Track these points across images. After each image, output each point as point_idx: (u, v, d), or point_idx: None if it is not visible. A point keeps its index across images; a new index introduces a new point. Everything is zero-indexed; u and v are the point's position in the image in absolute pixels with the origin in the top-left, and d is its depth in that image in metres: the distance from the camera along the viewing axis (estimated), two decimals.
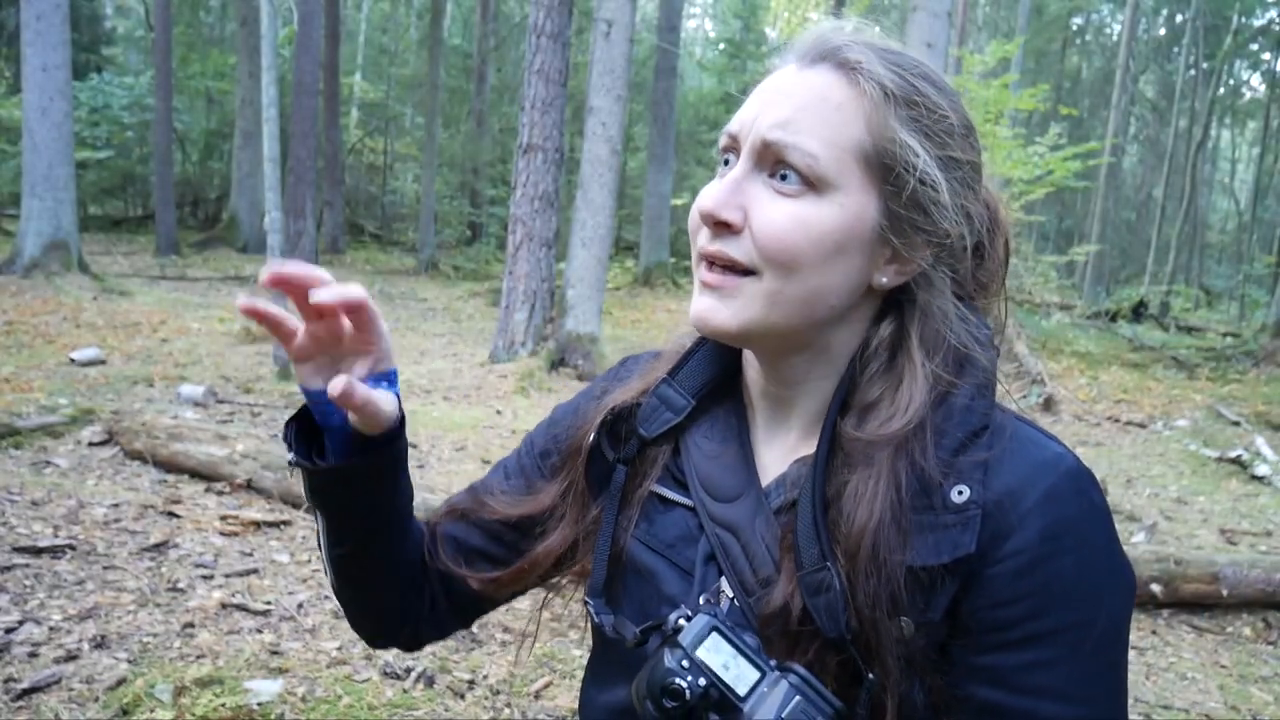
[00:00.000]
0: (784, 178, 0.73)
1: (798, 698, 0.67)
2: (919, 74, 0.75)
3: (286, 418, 0.83)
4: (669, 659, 0.71)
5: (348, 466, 0.81)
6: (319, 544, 0.90)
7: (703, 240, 0.76)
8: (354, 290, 0.71)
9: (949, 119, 0.75)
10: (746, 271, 0.74)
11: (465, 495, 0.98)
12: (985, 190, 0.81)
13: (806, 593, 0.71)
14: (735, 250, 0.74)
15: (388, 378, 0.79)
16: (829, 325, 0.77)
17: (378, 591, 0.92)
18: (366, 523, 0.86)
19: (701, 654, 0.70)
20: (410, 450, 5.78)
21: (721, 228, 0.74)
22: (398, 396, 0.81)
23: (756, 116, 0.74)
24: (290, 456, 0.81)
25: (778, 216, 0.72)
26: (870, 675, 0.70)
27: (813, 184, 0.72)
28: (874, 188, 0.73)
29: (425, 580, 0.95)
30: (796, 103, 0.73)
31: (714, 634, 0.71)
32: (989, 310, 0.83)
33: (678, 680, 0.69)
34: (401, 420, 0.82)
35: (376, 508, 0.86)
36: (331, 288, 0.71)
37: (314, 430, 0.82)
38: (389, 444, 0.81)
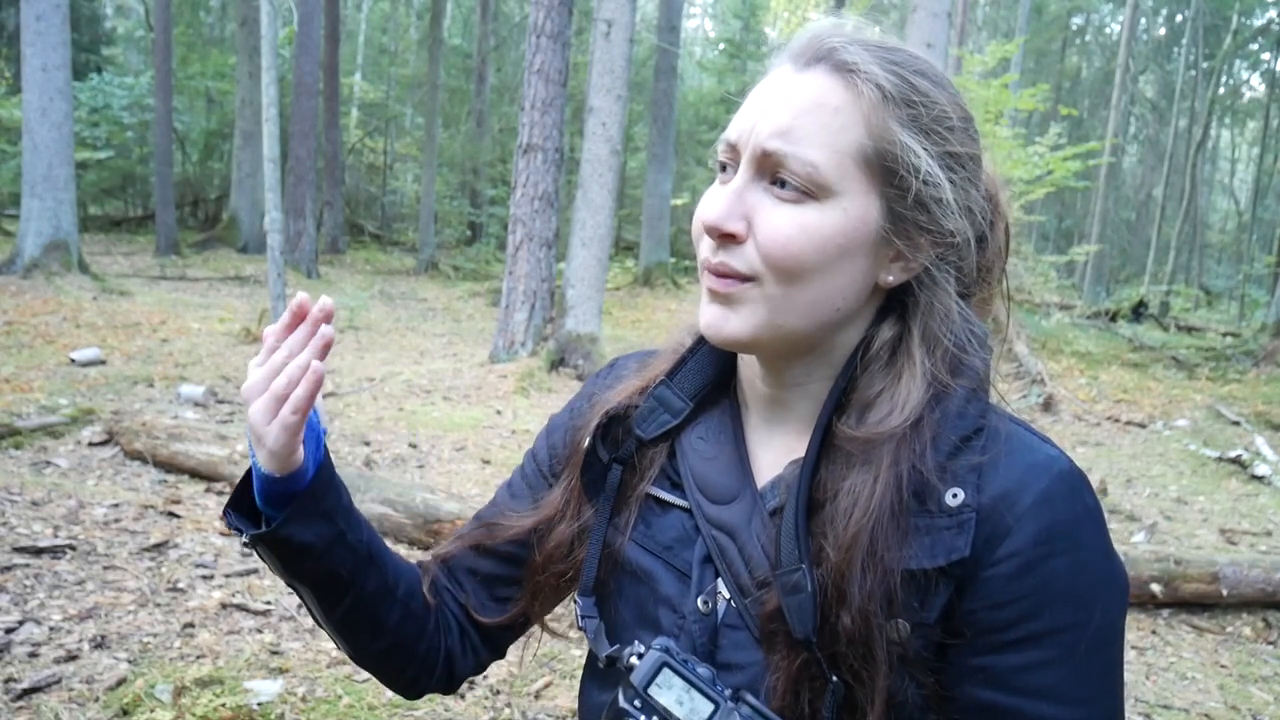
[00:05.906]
0: (783, 184, 0.72)
1: None
2: (916, 70, 0.74)
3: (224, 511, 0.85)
4: (622, 699, 0.72)
5: (309, 488, 0.80)
6: (319, 623, 0.90)
7: (705, 251, 0.76)
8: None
9: (948, 114, 0.75)
10: (748, 278, 0.74)
11: (473, 525, 0.98)
12: (986, 176, 0.80)
13: (782, 592, 0.72)
14: (738, 261, 0.73)
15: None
16: (836, 326, 0.77)
17: (391, 639, 0.90)
18: (345, 566, 0.84)
19: (654, 692, 0.71)
20: (410, 450, 5.70)
21: (726, 239, 0.74)
22: (320, 432, 0.82)
23: (754, 125, 0.73)
24: (245, 535, 0.81)
25: (781, 224, 0.72)
26: (834, 679, 0.70)
27: (813, 191, 0.71)
28: (876, 190, 0.73)
29: (442, 616, 0.95)
30: (794, 109, 0.72)
31: (665, 670, 0.72)
32: (988, 309, 0.83)
33: None
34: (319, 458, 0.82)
35: (348, 546, 0.84)
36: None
37: (255, 516, 0.83)
38: (305, 474, 0.80)
